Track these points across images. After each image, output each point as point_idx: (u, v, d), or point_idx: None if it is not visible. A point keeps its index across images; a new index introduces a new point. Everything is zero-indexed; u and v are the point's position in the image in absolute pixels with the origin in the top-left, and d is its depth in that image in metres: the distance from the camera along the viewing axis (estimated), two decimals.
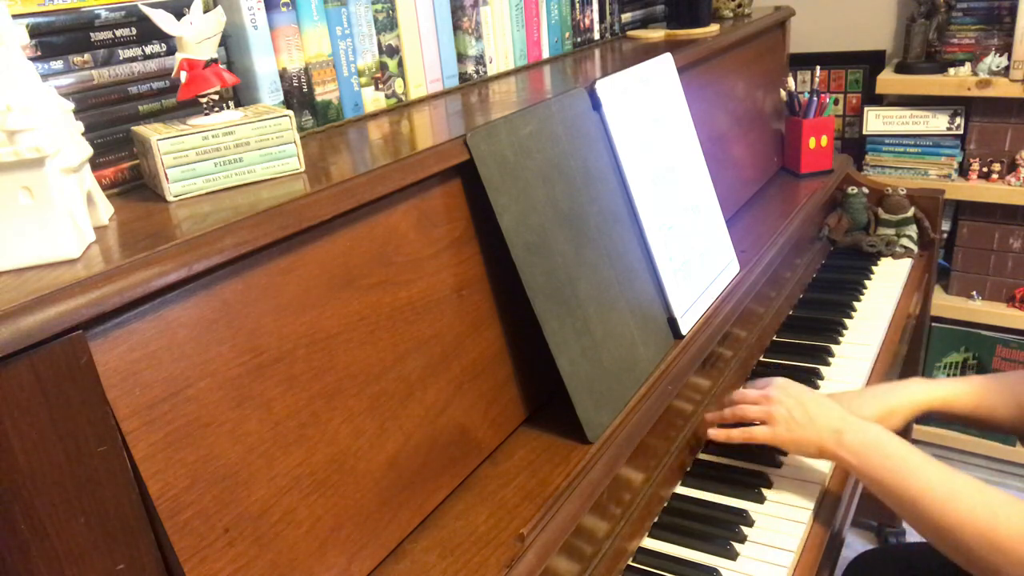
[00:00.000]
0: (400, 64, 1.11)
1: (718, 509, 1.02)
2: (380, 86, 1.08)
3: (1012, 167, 1.88)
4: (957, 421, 1.14)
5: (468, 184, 0.88)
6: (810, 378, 1.31)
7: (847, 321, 1.49)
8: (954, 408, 1.11)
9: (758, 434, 1.00)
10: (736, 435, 1.00)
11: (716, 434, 1.01)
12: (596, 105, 1.09)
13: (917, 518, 0.88)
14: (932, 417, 1.12)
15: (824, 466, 1.09)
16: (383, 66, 1.08)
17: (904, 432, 2.03)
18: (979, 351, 2.04)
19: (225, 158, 0.75)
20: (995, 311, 1.97)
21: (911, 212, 1.77)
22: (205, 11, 0.76)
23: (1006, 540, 0.80)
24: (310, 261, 0.71)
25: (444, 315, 0.84)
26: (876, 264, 1.73)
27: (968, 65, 1.85)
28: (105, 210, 0.69)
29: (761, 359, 1.38)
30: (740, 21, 1.76)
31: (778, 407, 1.02)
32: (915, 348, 1.84)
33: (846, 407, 1.05)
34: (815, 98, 1.76)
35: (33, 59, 0.70)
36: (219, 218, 0.65)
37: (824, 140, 1.78)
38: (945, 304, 2.02)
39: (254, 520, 0.64)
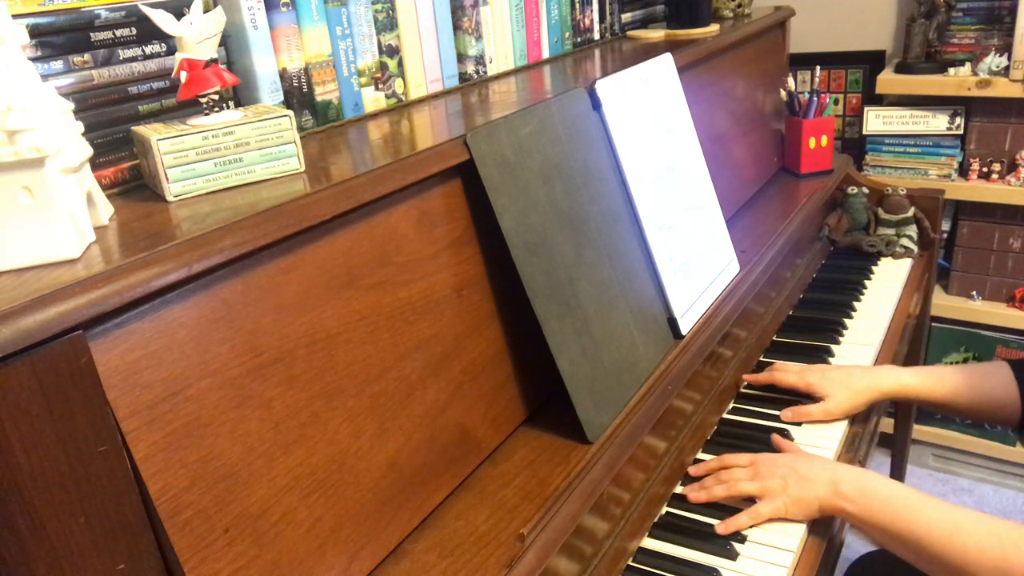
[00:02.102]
0: (400, 64, 1.11)
1: (719, 509, 1.02)
2: (380, 86, 1.08)
3: (1012, 167, 1.88)
4: (929, 409, 1.19)
5: (468, 184, 0.88)
6: None
7: (847, 321, 1.49)
8: (923, 397, 1.18)
9: (762, 511, 0.98)
10: (744, 519, 0.98)
11: (722, 527, 0.99)
12: (596, 105, 1.09)
13: (924, 558, 0.88)
14: (903, 403, 1.17)
15: None
16: (383, 66, 1.08)
17: (903, 431, 2.03)
18: (979, 351, 2.04)
19: (225, 158, 0.75)
20: (995, 311, 1.97)
21: (911, 212, 1.77)
22: (205, 11, 0.76)
23: (1017, 568, 0.80)
24: (310, 261, 0.71)
25: (444, 315, 0.84)
26: (876, 264, 1.73)
27: (968, 65, 1.85)
28: (105, 210, 0.69)
29: (761, 359, 1.38)
30: (740, 21, 1.76)
31: (772, 480, 1.00)
32: (915, 348, 1.84)
33: (817, 377, 1.20)
34: (815, 98, 1.76)
35: (33, 59, 0.70)
36: (219, 218, 0.65)
37: (824, 140, 1.78)
38: (945, 304, 2.02)
39: (254, 520, 0.64)
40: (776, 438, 1.12)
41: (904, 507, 0.90)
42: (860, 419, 1.22)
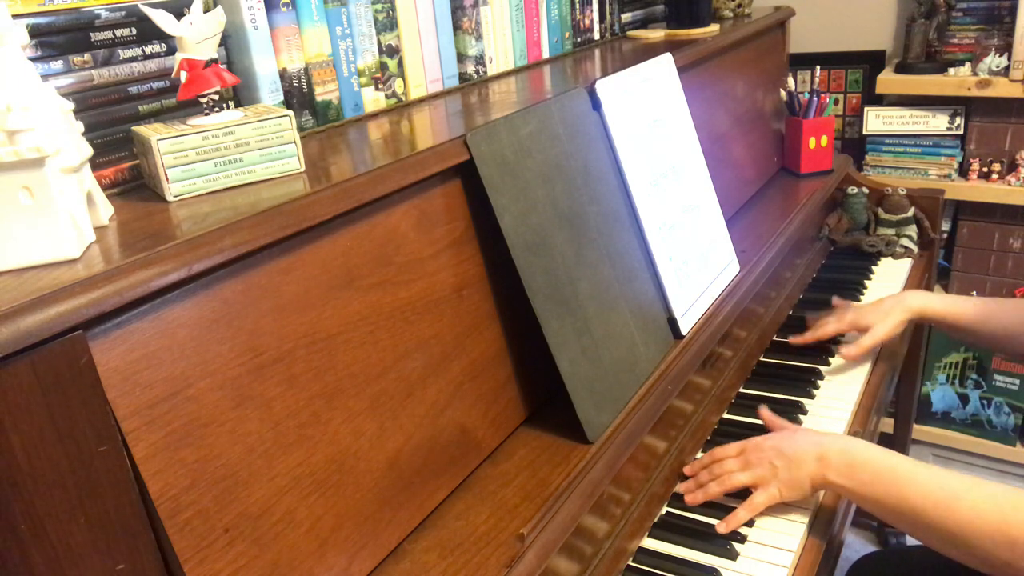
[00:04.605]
0: (400, 64, 1.11)
1: (718, 508, 1.02)
2: (380, 86, 1.08)
3: (1012, 167, 1.88)
4: (954, 334, 1.31)
5: (468, 184, 0.88)
6: (809, 378, 1.31)
7: None
8: (950, 319, 1.27)
9: (758, 501, 0.99)
10: (742, 514, 0.99)
11: (722, 526, 0.99)
12: (596, 105, 1.09)
13: (922, 528, 0.86)
14: (931, 325, 1.33)
15: None
16: (383, 66, 1.08)
17: (903, 431, 2.02)
18: (979, 351, 2.04)
19: (225, 158, 0.75)
20: None
21: (911, 212, 1.77)
22: (205, 11, 0.76)
23: (1017, 531, 0.79)
24: (310, 261, 0.71)
25: (444, 315, 0.84)
26: (876, 264, 1.73)
27: (968, 65, 1.85)
28: (105, 210, 0.69)
29: (761, 359, 1.38)
30: (740, 21, 1.76)
31: (761, 467, 1.00)
32: (915, 348, 1.84)
33: (853, 315, 1.34)
34: (815, 98, 1.76)
35: (33, 59, 0.70)
36: (219, 218, 0.65)
37: (824, 140, 1.78)
38: None
39: (254, 520, 0.64)
40: (763, 412, 1.13)
41: (896, 478, 0.89)
42: (860, 418, 1.22)
